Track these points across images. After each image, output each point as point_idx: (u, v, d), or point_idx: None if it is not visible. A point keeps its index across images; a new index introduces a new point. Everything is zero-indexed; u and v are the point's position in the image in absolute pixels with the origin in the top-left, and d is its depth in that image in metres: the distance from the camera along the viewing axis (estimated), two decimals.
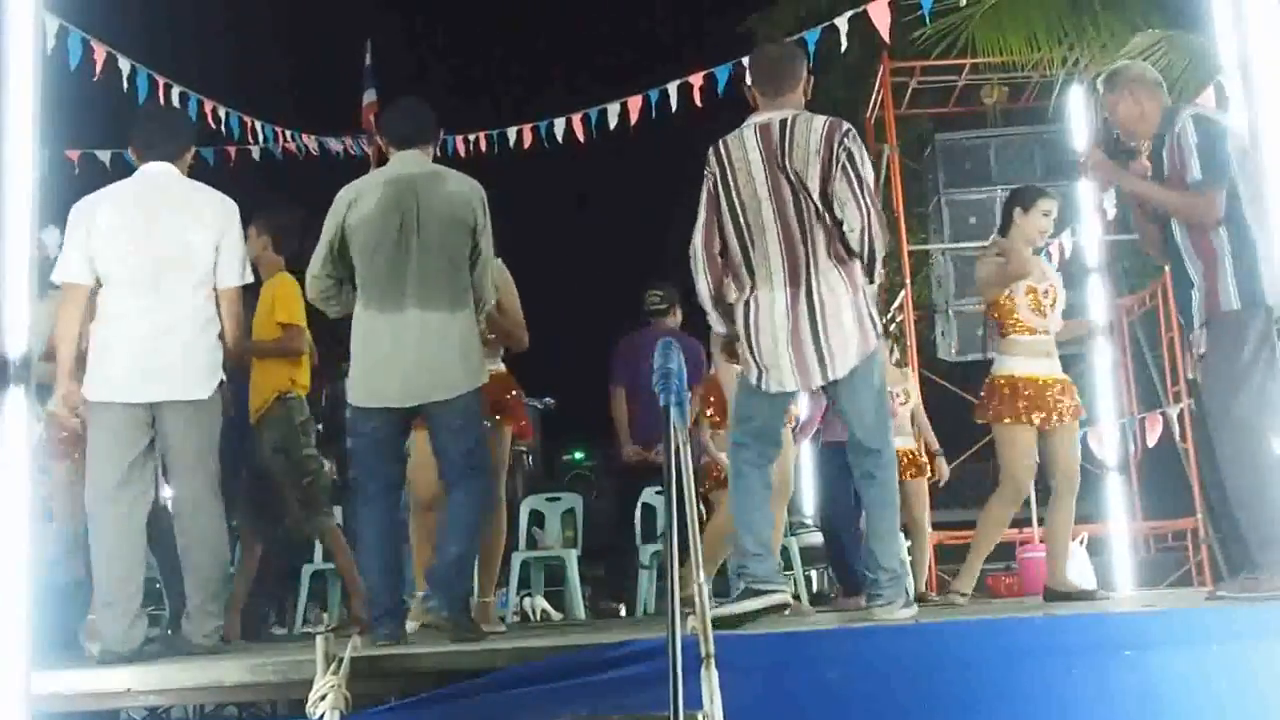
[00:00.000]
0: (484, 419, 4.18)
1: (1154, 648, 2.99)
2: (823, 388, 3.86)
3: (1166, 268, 7.10)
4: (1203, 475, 8.54)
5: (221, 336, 4.08)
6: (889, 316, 10.61)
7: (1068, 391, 4.84)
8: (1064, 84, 8.13)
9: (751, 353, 3.81)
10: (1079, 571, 6.34)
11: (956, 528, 9.90)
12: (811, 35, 6.91)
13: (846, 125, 3.77)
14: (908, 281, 9.44)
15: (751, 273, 3.80)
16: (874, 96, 10.04)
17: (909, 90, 9.80)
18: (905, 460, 6.07)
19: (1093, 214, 6.70)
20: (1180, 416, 8.75)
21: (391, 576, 3.92)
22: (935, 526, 8.92)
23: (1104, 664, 2.95)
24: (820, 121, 3.76)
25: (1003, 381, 4.84)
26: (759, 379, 3.81)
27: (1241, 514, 3.87)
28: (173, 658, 3.78)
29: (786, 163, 3.73)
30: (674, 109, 7.42)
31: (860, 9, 6.56)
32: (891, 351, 7.49)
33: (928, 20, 6.82)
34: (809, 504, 8.75)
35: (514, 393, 4.74)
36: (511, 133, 8.47)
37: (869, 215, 3.70)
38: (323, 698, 2.72)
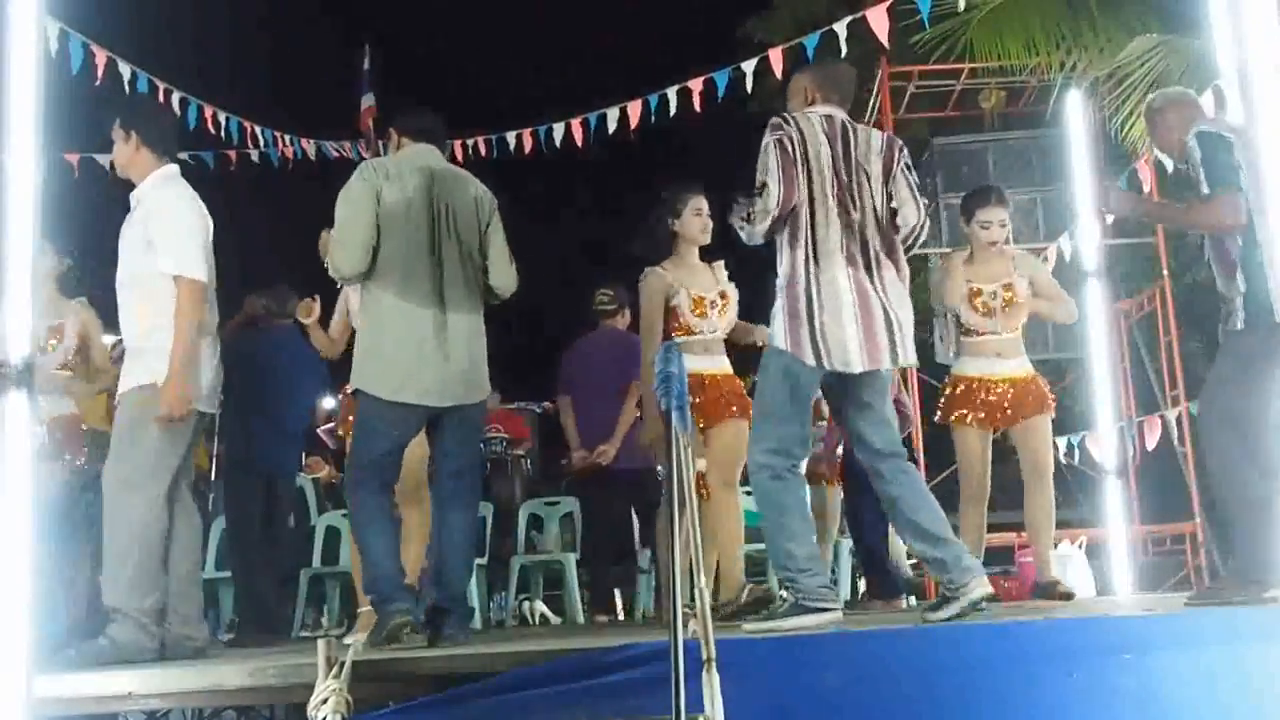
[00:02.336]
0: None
1: (1154, 651, 3.00)
2: (838, 384, 3.80)
3: (1165, 272, 7.11)
4: (1200, 479, 8.56)
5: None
6: None
7: (1023, 387, 4.87)
8: (1062, 88, 8.13)
9: (812, 331, 3.68)
10: (1078, 575, 6.35)
11: (955, 532, 9.92)
12: (811, 40, 6.93)
13: (901, 142, 3.94)
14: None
15: (813, 245, 3.73)
16: (872, 100, 10.06)
17: (907, 94, 9.82)
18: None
19: (1090, 218, 6.70)
20: (1179, 420, 8.76)
21: (396, 561, 3.86)
22: None
23: (1104, 667, 2.95)
24: (877, 132, 3.94)
25: (950, 383, 4.98)
26: (817, 357, 3.67)
27: (1231, 519, 3.93)
28: (173, 661, 3.78)
29: (854, 153, 3.81)
30: (673, 113, 7.43)
31: (859, 14, 6.57)
32: None
33: (926, 25, 6.82)
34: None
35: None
36: (511, 137, 8.48)
37: (924, 215, 3.85)
38: (324, 701, 2.72)
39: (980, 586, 3.66)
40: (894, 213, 3.83)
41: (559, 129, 8.16)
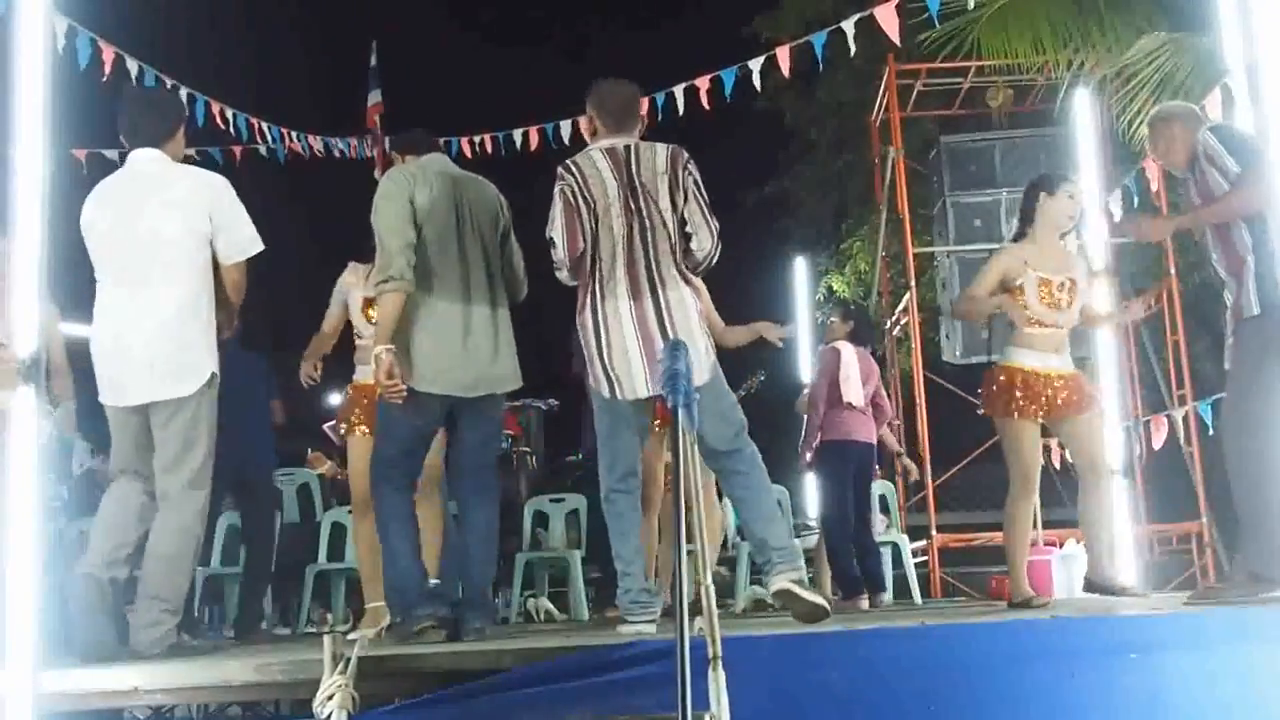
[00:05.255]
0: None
1: (1159, 650, 3.00)
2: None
3: (1172, 272, 7.10)
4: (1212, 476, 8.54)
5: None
6: (894, 319, 10.63)
7: (1072, 385, 4.79)
8: (1069, 87, 8.12)
9: (604, 365, 3.91)
10: (1083, 575, 6.35)
11: (959, 530, 9.91)
12: (819, 38, 6.92)
13: (686, 153, 4.00)
14: (912, 284, 9.44)
15: (599, 283, 3.92)
16: (879, 99, 10.05)
17: (914, 92, 9.81)
18: None
19: (1098, 217, 6.69)
20: (1185, 420, 8.74)
21: (418, 563, 3.96)
22: (938, 529, 8.94)
23: (1109, 666, 2.95)
24: (662, 148, 4.01)
25: (1001, 374, 4.80)
26: (611, 390, 3.91)
27: (1241, 515, 3.92)
28: (180, 657, 3.79)
29: (637, 179, 3.93)
30: (680, 112, 7.42)
31: (867, 12, 6.55)
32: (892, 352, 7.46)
33: (936, 22, 6.81)
34: (812, 506, 8.75)
35: None
36: (518, 134, 8.48)
37: (716, 240, 3.98)
38: (330, 697, 2.73)
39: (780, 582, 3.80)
40: (687, 235, 3.95)
41: (566, 126, 8.17)
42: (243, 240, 4.03)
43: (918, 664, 2.99)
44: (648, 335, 3.85)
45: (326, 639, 2.83)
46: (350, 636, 3.88)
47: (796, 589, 3.74)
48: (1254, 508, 3.86)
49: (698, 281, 4.06)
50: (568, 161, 4.01)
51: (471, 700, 2.87)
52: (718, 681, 2.33)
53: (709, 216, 3.96)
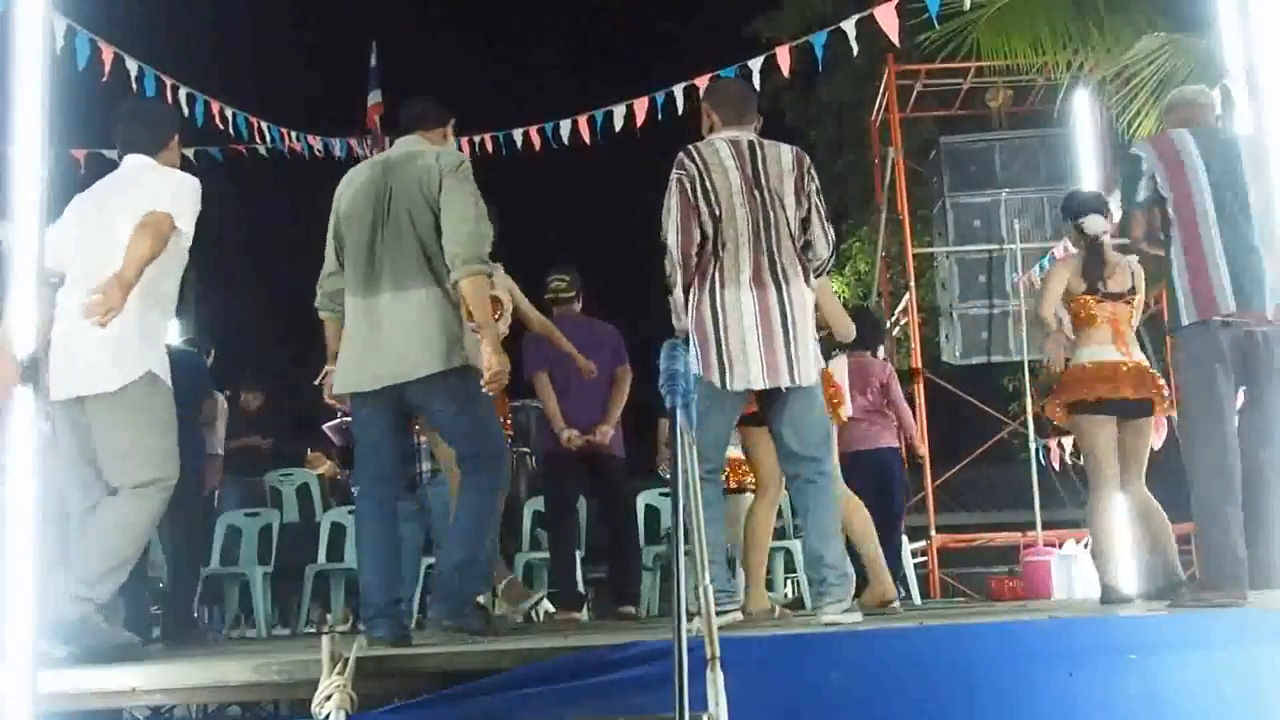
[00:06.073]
0: (488, 404, 4.02)
1: (1158, 651, 3.00)
2: (765, 396, 3.92)
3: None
4: None
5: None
6: (893, 319, 10.63)
7: (1139, 376, 4.72)
8: (1069, 88, 8.13)
9: (719, 353, 3.85)
10: (1082, 576, 6.35)
11: (960, 531, 9.91)
12: (819, 38, 6.93)
13: (808, 158, 4.02)
14: (912, 284, 9.45)
15: (720, 271, 3.87)
16: (879, 99, 10.06)
17: (914, 93, 9.82)
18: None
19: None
20: None
21: (384, 575, 3.80)
22: (939, 530, 8.95)
23: (1108, 668, 2.95)
24: (786, 147, 4.00)
25: (1072, 372, 4.76)
26: (722, 378, 3.85)
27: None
28: (178, 657, 3.78)
29: (763, 172, 3.91)
30: (680, 112, 7.42)
31: (867, 12, 6.56)
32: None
33: (935, 23, 6.81)
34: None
35: None
36: (518, 134, 8.48)
37: (831, 248, 4.04)
38: (328, 698, 2.72)
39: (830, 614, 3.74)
40: (806, 242, 3.96)
41: (565, 126, 8.17)
42: (178, 210, 3.83)
43: (917, 664, 2.99)
44: (768, 327, 3.82)
45: (325, 639, 2.83)
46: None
47: (845, 619, 3.69)
48: (1199, 517, 4.04)
49: (815, 282, 4.02)
50: (689, 148, 3.96)
51: (471, 700, 2.86)
52: (716, 682, 2.33)
53: (827, 226, 4.00)
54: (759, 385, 3.85)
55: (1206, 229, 3.96)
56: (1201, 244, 3.96)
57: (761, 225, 3.87)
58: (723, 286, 3.86)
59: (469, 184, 3.89)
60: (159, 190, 3.84)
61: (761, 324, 3.82)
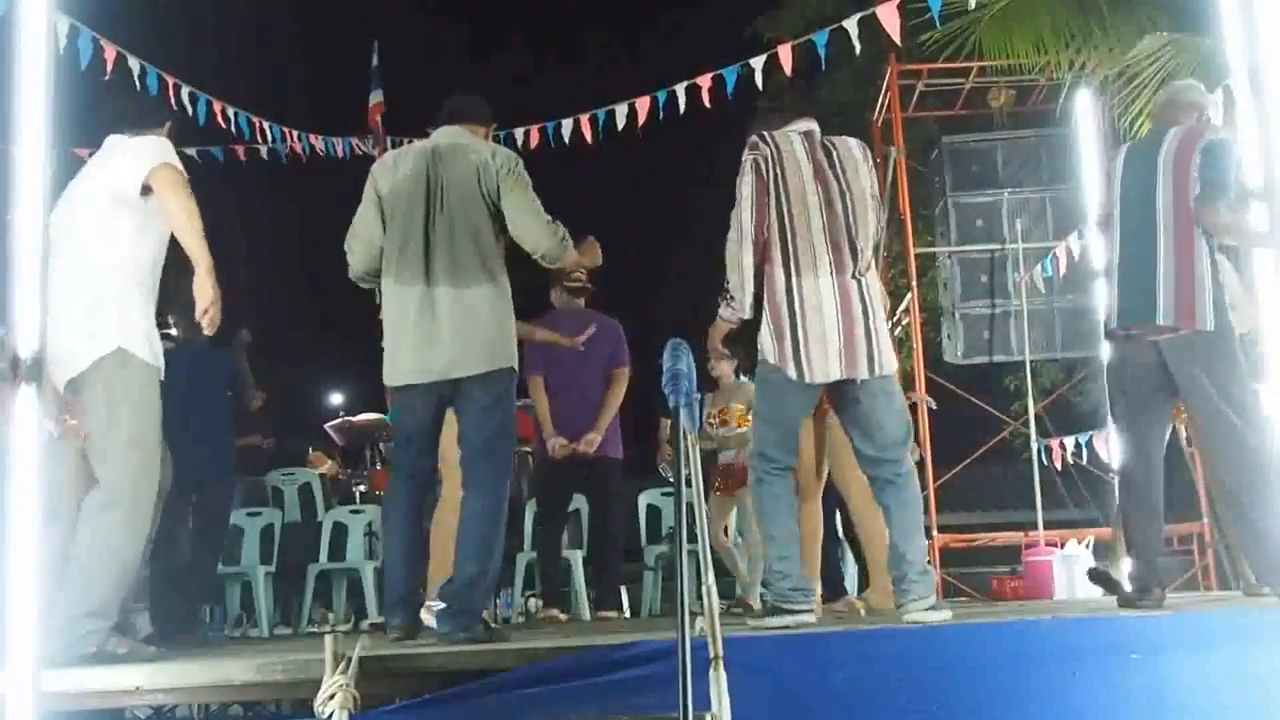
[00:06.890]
0: (515, 409, 4.05)
1: (1161, 651, 3.00)
2: (839, 392, 3.87)
3: None
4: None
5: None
6: (895, 319, 10.62)
7: None
8: (1071, 87, 8.11)
9: (794, 342, 3.78)
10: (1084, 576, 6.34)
11: (961, 531, 9.90)
12: (820, 37, 6.91)
13: (869, 149, 4.05)
14: (914, 284, 9.44)
15: (794, 258, 3.82)
16: (881, 99, 10.04)
17: (916, 93, 9.79)
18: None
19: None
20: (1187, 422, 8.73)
21: (408, 566, 3.87)
22: (940, 530, 8.94)
23: (1112, 667, 2.95)
24: (851, 139, 4.02)
25: None
26: (800, 369, 3.77)
27: None
28: (181, 656, 3.78)
29: (837, 163, 3.91)
30: (682, 111, 7.42)
31: (869, 11, 6.55)
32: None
33: (937, 22, 6.80)
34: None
35: None
36: (519, 133, 8.47)
37: (882, 224, 4.06)
38: (331, 697, 2.73)
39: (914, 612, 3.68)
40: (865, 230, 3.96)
41: (567, 125, 8.16)
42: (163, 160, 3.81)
43: (919, 664, 2.99)
44: (849, 314, 3.78)
45: (328, 639, 2.83)
46: None
47: (930, 617, 3.64)
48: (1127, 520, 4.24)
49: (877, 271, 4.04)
50: (762, 133, 3.95)
51: (472, 700, 2.87)
52: (719, 681, 2.33)
53: (882, 216, 4.04)
54: (836, 376, 3.78)
55: (1112, 245, 4.19)
56: (1114, 259, 4.17)
57: (838, 213, 3.85)
58: (799, 274, 3.80)
59: (528, 185, 3.99)
60: (139, 153, 3.84)
61: (843, 314, 3.78)
